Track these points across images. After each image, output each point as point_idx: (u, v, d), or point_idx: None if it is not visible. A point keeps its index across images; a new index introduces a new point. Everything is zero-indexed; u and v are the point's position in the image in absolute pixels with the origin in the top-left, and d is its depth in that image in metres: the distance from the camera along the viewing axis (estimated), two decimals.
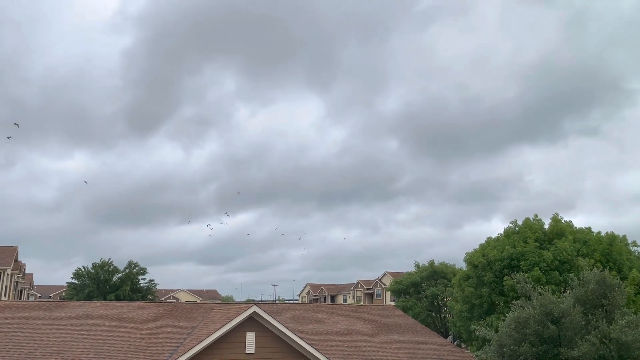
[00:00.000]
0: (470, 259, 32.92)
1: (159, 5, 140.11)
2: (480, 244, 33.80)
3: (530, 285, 19.96)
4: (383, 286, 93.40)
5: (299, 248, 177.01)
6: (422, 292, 46.13)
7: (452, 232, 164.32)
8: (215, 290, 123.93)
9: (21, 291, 64.32)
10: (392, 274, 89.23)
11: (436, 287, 45.00)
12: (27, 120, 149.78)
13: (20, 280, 61.04)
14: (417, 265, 49.36)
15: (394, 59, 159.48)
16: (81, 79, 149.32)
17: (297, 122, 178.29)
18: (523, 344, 17.47)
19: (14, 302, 24.70)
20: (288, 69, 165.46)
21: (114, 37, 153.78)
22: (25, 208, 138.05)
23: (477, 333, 22.51)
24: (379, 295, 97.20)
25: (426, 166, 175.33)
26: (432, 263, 48.13)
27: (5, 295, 50.74)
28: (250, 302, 26.98)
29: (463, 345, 38.34)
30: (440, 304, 46.04)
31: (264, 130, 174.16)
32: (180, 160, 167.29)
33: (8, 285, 52.61)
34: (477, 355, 24.80)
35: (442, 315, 46.21)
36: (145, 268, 69.28)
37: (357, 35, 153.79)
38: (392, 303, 58.51)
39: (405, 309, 41.49)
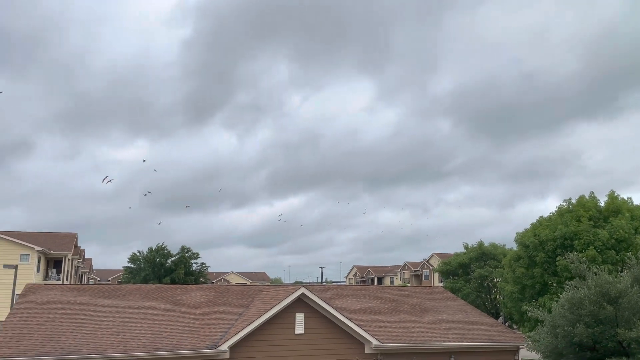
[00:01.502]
0: (521, 239, 32.14)
1: None
2: (531, 224, 32.92)
3: (585, 265, 19.33)
4: (431, 267, 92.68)
5: (347, 231, 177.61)
6: (470, 274, 45.50)
7: (505, 212, 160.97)
8: (264, 273, 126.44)
9: (81, 275, 67.66)
10: (439, 255, 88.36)
11: (485, 268, 44.27)
12: (91, 113, 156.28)
13: (80, 264, 64.18)
14: (466, 247, 48.64)
15: (447, 38, 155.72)
16: (142, 71, 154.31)
17: (349, 105, 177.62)
18: (578, 325, 17.00)
19: (75, 286, 26.03)
20: (339, 53, 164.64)
21: (173, 29, 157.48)
22: (87, 196, 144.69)
23: (529, 314, 22.04)
24: (426, 277, 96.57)
25: (480, 146, 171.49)
26: (481, 244, 47.30)
27: (67, 279, 53.52)
28: (298, 284, 27.39)
29: (514, 326, 37.68)
30: (490, 285, 45.30)
31: (315, 115, 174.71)
32: (233, 147, 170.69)
33: (69, 270, 55.44)
34: (529, 337, 24.30)
35: (492, 296, 45.48)
36: (198, 252, 71.42)
37: (409, 16, 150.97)
38: (441, 284, 58.01)
39: (453, 290, 41.07)
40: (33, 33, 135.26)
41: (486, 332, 23.13)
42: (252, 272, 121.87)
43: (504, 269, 36.21)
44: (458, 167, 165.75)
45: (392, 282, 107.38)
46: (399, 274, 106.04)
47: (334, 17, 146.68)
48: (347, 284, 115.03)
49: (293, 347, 19.27)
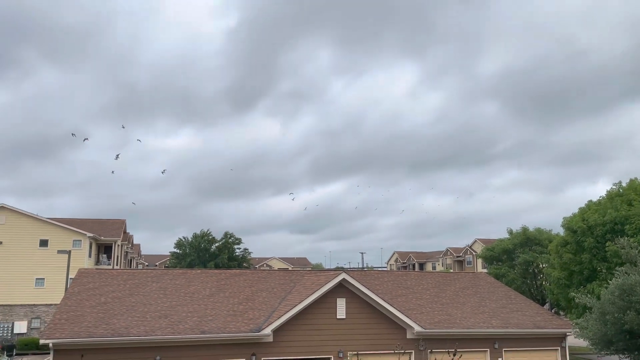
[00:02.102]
0: (568, 224, 31.24)
1: None
2: (579, 208, 31.92)
3: (636, 251, 18.65)
4: (474, 253, 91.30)
5: (389, 216, 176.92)
6: (515, 260, 44.57)
7: (552, 197, 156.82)
8: (305, 258, 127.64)
9: (130, 260, 70.13)
10: (483, 240, 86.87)
11: (529, 253, 43.26)
12: (138, 104, 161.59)
13: (129, 250, 66.50)
14: (510, 232, 47.62)
15: (494, 17, 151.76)
16: (188, 62, 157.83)
17: (391, 90, 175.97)
18: (628, 312, 16.48)
19: (125, 270, 27.00)
20: (382, 37, 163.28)
21: (218, 19, 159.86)
22: (135, 184, 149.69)
23: (577, 300, 21.51)
24: (469, 263, 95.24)
25: (527, 128, 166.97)
26: (525, 229, 46.20)
27: (117, 264, 55.59)
28: (339, 270, 27.55)
29: (562, 313, 36.81)
30: (536, 271, 44.29)
31: (357, 101, 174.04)
32: (276, 134, 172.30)
33: (119, 255, 57.54)
34: (577, 323, 23.71)
35: (538, 282, 44.48)
36: (240, 238, 72.85)
37: None
38: (484, 270, 57.11)
39: (497, 277, 40.37)
40: (84, 27, 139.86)
41: (531, 318, 22.70)
42: (294, 258, 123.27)
43: (550, 255, 35.35)
44: (504, 151, 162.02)
45: (433, 268, 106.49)
46: (440, 259, 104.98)
47: (376, 1, 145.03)
48: (388, 269, 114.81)
49: (335, 331, 19.47)
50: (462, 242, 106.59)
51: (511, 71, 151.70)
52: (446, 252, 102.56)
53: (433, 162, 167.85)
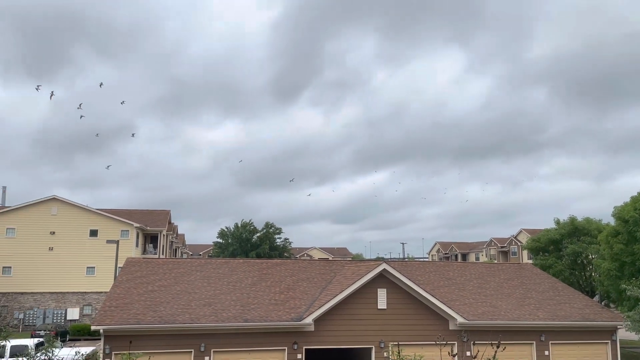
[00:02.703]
0: (619, 214, 30.00)
1: None
2: (631, 197, 30.59)
3: None
4: (519, 244, 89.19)
5: (431, 206, 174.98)
6: (562, 250, 43.22)
7: (602, 186, 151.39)
8: (345, 248, 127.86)
9: (176, 250, 71.98)
10: (528, 231, 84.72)
11: (578, 244, 41.86)
12: (186, 97, 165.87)
13: (174, 240, 68.26)
14: (557, 222, 46.17)
15: (542, 3, 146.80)
16: (233, 55, 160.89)
17: (436, 78, 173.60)
18: None
19: (170, 260, 27.76)
20: (427, 25, 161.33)
21: (263, 11, 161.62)
22: (181, 176, 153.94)
23: (628, 293, 20.71)
24: (514, 254, 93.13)
25: (578, 114, 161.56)
26: (573, 219, 44.67)
27: (162, 253, 57.18)
28: (379, 260, 27.44)
29: (612, 305, 35.53)
30: (585, 262, 42.84)
31: (401, 89, 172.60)
32: (319, 125, 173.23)
33: (164, 245, 59.15)
34: (628, 316, 22.86)
35: (587, 274, 43.02)
36: (281, 228, 73.65)
37: None
38: (530, 261, 55.71)
39: (544, 268, 39.27)
40: (135, 24, 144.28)
41: (580, 311, 22.00)
42: (334, 248, 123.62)
43: (600, 245, 34.10)
44: (552, 138, 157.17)
45: (477, 258, 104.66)
46: (484, 250, 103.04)
47: None
48: (430, 260, 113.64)
49: (376, 321, 19.43)
50: (506, 233, 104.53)
51: (561, 55, 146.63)
52: (490, 243, 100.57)
53: (478, 150, 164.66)
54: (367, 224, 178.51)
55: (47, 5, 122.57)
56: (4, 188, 63.14)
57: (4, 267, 48.20)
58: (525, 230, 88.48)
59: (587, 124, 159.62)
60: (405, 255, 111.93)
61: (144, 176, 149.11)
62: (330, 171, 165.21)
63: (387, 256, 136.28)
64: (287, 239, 75.55)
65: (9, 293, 47.38)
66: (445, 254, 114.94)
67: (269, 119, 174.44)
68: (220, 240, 73.12)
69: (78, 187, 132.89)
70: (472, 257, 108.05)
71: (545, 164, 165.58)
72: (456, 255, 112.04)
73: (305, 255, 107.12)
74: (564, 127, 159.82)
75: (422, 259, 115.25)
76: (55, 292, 48.58)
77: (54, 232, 49.30)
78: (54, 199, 50.42)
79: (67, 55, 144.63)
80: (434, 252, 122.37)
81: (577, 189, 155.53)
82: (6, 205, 57.07)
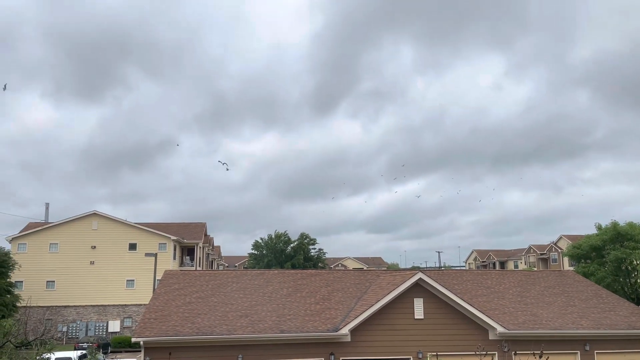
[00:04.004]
0: None
1: None
2: None
3: None
4: (559, 251, 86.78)
5: (469, 214, 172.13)
6: (605, 256, 41.80)
7: None
8: (380, 258, 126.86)
9: (212, 261, 72.91)
10: (569, 237, 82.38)
11: (621, 250, 40.40)
12: (226, 111, 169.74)
13: (210, 252, 69.18)
14: (599, 227, 44.72)
15: (585, 3, 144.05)
16: (273, 68, 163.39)
17: (474, 84, 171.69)
18: None
19: (207, 271, 28.08)
20: (466, 31, 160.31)
21: (303, 25, 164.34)
22: (220, 188, 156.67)
23: None
24: (554, 261, 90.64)
25: (623, 116, 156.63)
26: (615, 224, 43.17)
27: (199, 266, 58.00)
28: (415, 269, 27.13)
29: None
30: (629, 269, 41.28)
31: (439, 96, 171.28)
32: (355, 134, 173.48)
33: (201, 257, 60.00)
34: None
35: (632, 280, 41.44)
36: (315, 239, 73.82)
37: None
38: (571, 268, 54.07)
39: (586, 275, 38.05)
40: (179, 42, 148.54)
41: (626, 319, 21.20)
42: (369, 257, 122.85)
43: None
44: (596, 142, 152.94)
45: (515, 266, 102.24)
46: (523, 257, 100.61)
47: None
48: (467, 268, 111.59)
49: (413, 331, 19.18)
50: (546, 239, 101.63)
51: (605, 56, 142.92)
52: (529, 250, 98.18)
53: (518, 156, 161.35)
54: (403, 233, 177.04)
55: (96, 26, 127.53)
56: (47, 205, 65.41)
57: (48, 281, 49.80)
58: (566, 236, 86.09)
59: (633, 125, 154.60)
60: (442, 264, 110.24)
61: (184, 190, 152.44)
62: (366, 181, 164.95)
63: (423, 265, 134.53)
64: (322, 250, 75.63)
65: (53, 306, 48.88)
66: (483, 262, 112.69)
67: (307, 130, 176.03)
68: (255, 252, 73.72)
69: (121, 202, 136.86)
70: (510, 265, 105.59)
71: (589, 168, 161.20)
72: (494, 263, 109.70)
73: (340, 265, 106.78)
74: (610, 129, 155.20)
75: (458, 268, 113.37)
76: (96, 305, 49.84)
77: (94, 247, 50.69)
78: (94, 214, 51.92)
79: (115, 74, 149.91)
80: (470, 260, 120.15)
81: (623, 193, 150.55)
82: (49, 221, 59.05)
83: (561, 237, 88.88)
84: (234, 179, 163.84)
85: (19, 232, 51.63)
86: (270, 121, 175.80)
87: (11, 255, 43.69)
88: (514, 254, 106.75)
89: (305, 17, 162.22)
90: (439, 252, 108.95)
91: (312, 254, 73.13)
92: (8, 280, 42.26)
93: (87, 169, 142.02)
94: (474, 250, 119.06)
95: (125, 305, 50.05)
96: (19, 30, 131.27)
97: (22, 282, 47.28)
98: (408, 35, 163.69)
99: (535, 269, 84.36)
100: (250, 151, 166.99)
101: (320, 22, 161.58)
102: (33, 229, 51.79)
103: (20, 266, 43.86)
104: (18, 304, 42.56)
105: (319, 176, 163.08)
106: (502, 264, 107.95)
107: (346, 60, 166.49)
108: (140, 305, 47.50)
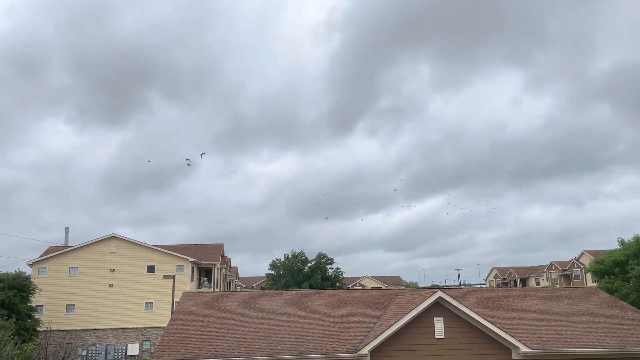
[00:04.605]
0: None
1: (359, 6, 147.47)
2: None
3: None
4: (581, 267, 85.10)
5: (489, 230, 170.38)
6: (629, 272, 40.86)
7: None
8: (398, 277, 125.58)
9: (229, 283, 72.85)
10: (591, 253, 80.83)
11: None
12: (245, 132, 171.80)
13: (227, 273, 69.18)
14: (622, 242, 43.84)
15: (604, 16, 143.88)
16: (292, 89, 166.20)
17: (494, 99, 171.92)
18: None
19: (224, 293, 28.06)
20: (483, 48, 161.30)
21: (321, 45, 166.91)
22: (238, 209, 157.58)
23: None
24: (577, 277, 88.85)
25: None
26: (638, 238, 42.30)
27: (217, 287, 57.99)
28: (434, 288, 26.79)
29: None
30: None
31: (457, 113, 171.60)
32: (374, 152, 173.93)
33: (218, 278, 60.01)
34: None
35: None
36: (332, 258, 73.41)
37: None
38: (594, 285, 52.91)
39: (610, 291, 37.21)
40: (199, 66, 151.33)
41: None
42: (387, 276, 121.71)
43: None
44: (618, 155, 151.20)
45: (537, 283, 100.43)
46: (544, 274, 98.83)
47: (476, 13, 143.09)
48: (487, 286, 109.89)
49: (434, 351, 18.85)
50: (567, 255, 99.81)
51: (625, 68, 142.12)
52: (550, 267, 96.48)
53: (538, 171, 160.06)
54: (421, 251, 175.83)
55: (119, 52, 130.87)
56: (67, 228, 66.18)
57: (67, 305, 50.14)
58: (588, 252, 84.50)
59: None
60: (461, 282, 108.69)
61: (202, 211, 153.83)
62: (384, 198, 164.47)
63: (442, 283, 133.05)
64: (339, 269, 75.16)
65: (73, 330, 49.12)
66: (504, 279, 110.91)
67: (325, 149, 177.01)
68: (272, 272, 73.54)
69: (140, 225, 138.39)
70: (532, 282, 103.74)
71: (612, 181, 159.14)
72: (515, 281, 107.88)
73: (358, 284, 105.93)
74: (631, 142, 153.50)
75: (479, 286, 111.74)
76: (115, 328, 49.98)
77: (113, 269, 51.05)
78: (113, 237, 52.38)
79: (137, 99, 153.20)
80: (491, 277, 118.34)
81: None
82: (69, 245, 59.72)
83: (583, 253, 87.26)
84: (252, 199, 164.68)
85: (40, 257, 52.25)
86: (289, 141, 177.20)
87: (32, 280, 44.15)
88: (535, 270, 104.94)
89: (323, 37, 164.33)
90: (458, 270, 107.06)
91: (329, 273, 72.71)
92: (29, 304, 42.66)
93: (108, 192, 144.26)
94: (494, 267, 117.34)
95: (144, 328, 50.09)
96: (44, 59, 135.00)
97: (42, 306, 47.68)
98: (426, 53, 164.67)
99: (558, 285, 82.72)
100: (268, 171, 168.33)
101: (338, 41, 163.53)
102: (53, 253, 52.38)
103: (40, 290, 44.28)
104: (39, 328, 42.86)
105: (336, 195, 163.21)
106: (524, 281, 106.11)
107: (364, 78, 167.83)
108: (159, 327, 47.51)
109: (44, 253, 53.66)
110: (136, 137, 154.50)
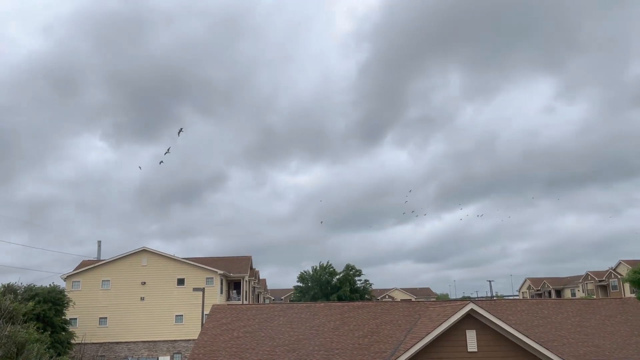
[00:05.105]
0: None
1: (389, 16, 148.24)
2: None
3: None
4: (619, 277, 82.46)
5: (521, 241, 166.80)
6: None
7: None
8: (428, 288, 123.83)
9: (258, 295, 72.99)
10: (628, 262, 78.36)
11: None
12: (274, 145, 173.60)
13: (256, 285, 69.36)
14: None
15: (638, 19, 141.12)
16: (321, 101, 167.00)
17: (526, 107, 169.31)
18: None
19: (253, 305, 28.14)
20: (514, 54, 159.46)
21: (349, 57, 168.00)
22: (267, 221, 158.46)
23: None
24: (614, 287, 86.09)
25: None
26: None
27: (246, 299, 58.13)
28: (466, 300, 26.24)
29: None
30: None
31: (489, 121, 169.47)
32: (403, 162, 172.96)
33: (247, 290, 60.18)
34: None
35: None
36: (360, 270, 72.89)
37: (596, 3, 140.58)
38: (632, 295, 51.12)
39: None
40: (230, 80, 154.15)
41: None
42: (416, 288, 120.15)
43: None
44: None
45: (572, 294, 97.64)
46: (580, 285, 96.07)
47: (506, 20, 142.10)
48: (521, 297, 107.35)
49: None
50: (604, 265, 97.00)
51: None
52: (586, 277, 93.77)
53: (573, 178, 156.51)
54: (452, 262, 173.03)
55: (153, 69, 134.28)
56: (99, 242, 67.58)
57: (100, 318, 50.97)
58: (625, 261, 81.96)
59: None
60: (493, 294, 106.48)
61: (232, 224, 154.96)
62: (415, 209, 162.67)
63: (474, 295, 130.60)
64: (367, 281, 74.57)
65: (105, 343, 49.84)
66: (537, 290, 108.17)
67: (354, 160, 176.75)
68: (301, 284, 73.41)
69: (171, 238, 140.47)
70: (567, 293, 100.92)
71: None
72: (549, 292, 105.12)
73: (387, 296, 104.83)
74: None
75: (511, 297, 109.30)
76: (147, 341, 50.50)
77: (144, 282, 51.71)
78: (143, 251, 53.16)
79: (170, 114, 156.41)
80: (524, 289, 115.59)
81: None
82: (101, 258, 60.86)
83: (620, 263, 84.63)
84: (281, 211, 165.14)
85: (73, 270, 53.35)
86: (317, 153, 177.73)
87: (66, 293, 45.06)
88: (570, 281, 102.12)
89: (352, 48, 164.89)
90: (490, 281, 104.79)
91: (358, 285, 72.15)
92: (63, 317, 43.49)
93: (140, 206, 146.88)
94: (527, 278, 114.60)
95: (175, 340, 50.49)
96: (80, 76, 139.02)
97: (76, 319, 48.56)
98: (456, 61, 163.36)
99: (594, 296, 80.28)
100: (297, 183, 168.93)
101: (367, 51, 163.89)
102: (86, 267, 53.42)
103: (74, 303, 45.13)
104: (72, 341, 43.62)
105: (365, 206, 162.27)
106: (558, 292, 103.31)
107: (393, 88, 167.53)
108: (189, 340, 47.80)
109: (77, 267, 54.81)
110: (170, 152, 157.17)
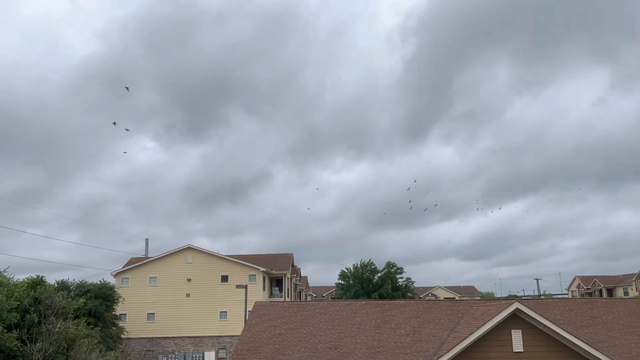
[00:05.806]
0: None
1: (435, 10, 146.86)
2: None
3: None
4: None
5: (571, 238, 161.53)
6: None
7: None
8: (472, 287, 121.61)
9: (300, 292, 73.51)
10: None
11: None
12: (318, 143, 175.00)
13: (298, 282, 69.88)
14: None
15: None
16: (365, 98, 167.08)
17: (577, 99, 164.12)
18: None
19: (295, 303, 28.33)
20: (564, 45, 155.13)
21: (394, 53, 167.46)
22: (310, 219, 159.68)
23: None
24: None
25: None
26: None
27: (287, 296, 58.67)
28: (511, 298, 25.63)
29: None
30: None
31: (539, 115, 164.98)
32: (448, 158, 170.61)
33: (289, 288, 60.71)
34: None
35: None
36: (402, 267, 72.25)
37: None
38: None
39: None
40: (276, 79, 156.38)
41: None
42: (460, 286, 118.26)
43: None
44: None
45: (625, 293, 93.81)
46: (634, 283, 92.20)
47: (559, 8, 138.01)
48: (570, 296, 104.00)
49: None
50: None
51: None
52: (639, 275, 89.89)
53: (628, 172, 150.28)
54: (498, 260, 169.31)
55: (201, 71, 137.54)
56: (147, 240, 69.57)
57: (148, 314, 52.54)
58: None
59: None
60: (541, 293, 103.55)
61: (275, 221, 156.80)
62: (459, 206, 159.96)
63: (520, 294, 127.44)
64: (409, 279, 73.87)
65: (153, 338, 51.36)
66: (587, 289, 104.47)
67: (398, 157, 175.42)
68: (342, 282, 73.43)
69: (217, 235, 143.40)
70: (619, 292, 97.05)
71: None
72: (600, 291, 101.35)
73: (430, 295, 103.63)
74: None
75: (560, 296, 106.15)
76: (193, 337, 51.73)
77: (190, 279, 52.97)
78: (189, 248, 54.42)
79: (218, 114, 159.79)
80: (573, 287, 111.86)
81: None
82: (149, 256, 62.67)
83: None
84: (324, 209, 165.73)
85: (122, 267, 55.17)
86: (361, 150, 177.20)
87: (116, 289, 46.66)
88: (623, 279, 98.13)
89: (398, 43, 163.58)
90: (537, 280, 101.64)
91: (399, 283, 71.60)
92: (113, 313, 45.06)
93: (188, 204, 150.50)
94: (577, 276, 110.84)
95: (219, 336, 51.51)
96: (133, 79, 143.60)
97: (125, 314, 50.21)
98: (504, 53, 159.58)
99: None
100: (340, 180, 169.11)
101: (413, 46, 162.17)
102: (134, 264, 55.14)
103: (124, 299, 46.67)
104: (122, 336, 45.15)
105: (409, 203, 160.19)
106: (610, 291, 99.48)
107: (439, 83, 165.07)
108: (233, 336, 48.67)
109: (126, 264, 56.64)
110: (216, 151, 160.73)
